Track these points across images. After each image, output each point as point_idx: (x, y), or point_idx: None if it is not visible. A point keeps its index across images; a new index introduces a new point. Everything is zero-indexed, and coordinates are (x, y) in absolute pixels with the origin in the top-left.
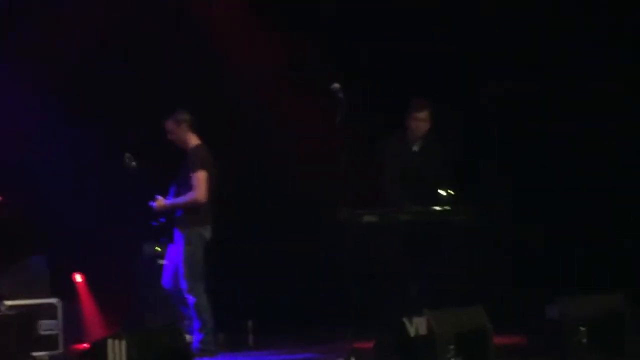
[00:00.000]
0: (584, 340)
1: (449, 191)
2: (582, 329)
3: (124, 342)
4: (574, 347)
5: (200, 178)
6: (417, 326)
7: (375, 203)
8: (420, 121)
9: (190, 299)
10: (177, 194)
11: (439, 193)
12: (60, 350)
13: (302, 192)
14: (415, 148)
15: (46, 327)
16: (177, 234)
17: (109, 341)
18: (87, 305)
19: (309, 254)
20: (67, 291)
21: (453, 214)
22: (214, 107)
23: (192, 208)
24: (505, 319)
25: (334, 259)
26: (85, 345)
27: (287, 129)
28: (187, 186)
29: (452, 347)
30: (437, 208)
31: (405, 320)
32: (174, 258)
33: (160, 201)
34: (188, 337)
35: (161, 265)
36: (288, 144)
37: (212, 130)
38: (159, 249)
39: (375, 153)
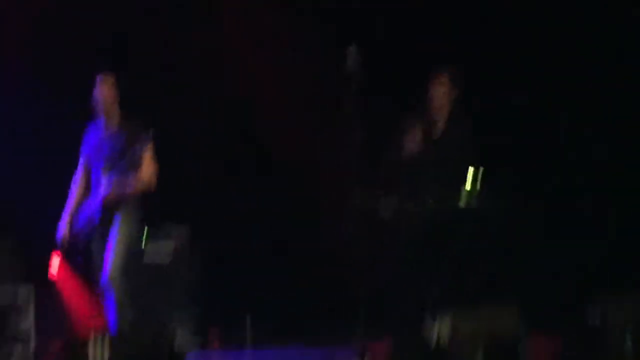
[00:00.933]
0: (630, 346)
1: (475, 187)
2: (629, 334)
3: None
4: (619, 354)
5: (151, 156)
6: (440, 328)
7: (391, 190)
8: (440, 86)
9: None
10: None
11: (466, 176)
12: (32, 345)
13: (309, 176)
14: (439, 124)
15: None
16: (118, 219)
17: (91, 341)
18: (67, 294)
19: (316, 245)
20: (43, 278)
21: (480, 202)
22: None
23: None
24: (538, 322)
25: (344, 251)
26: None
27: (290, 100)
28: (133, 165)
29: (480, 353)
30: (463, 194)
31: (427, 322)
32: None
33: (111, 192)
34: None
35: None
36: (293, 118)
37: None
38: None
39: (392, 132)
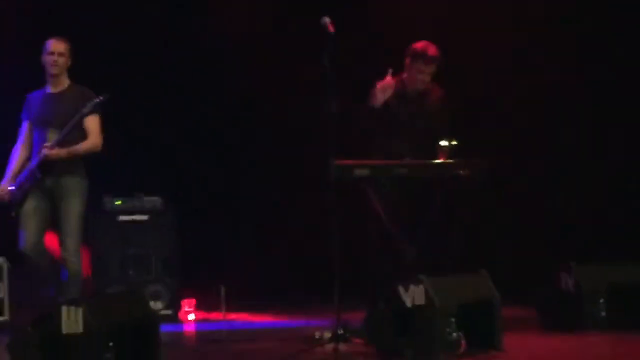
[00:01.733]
0: (603, 313)
1: (451, 142)
2: (602, 300)
3: (80, 309)
4: (592, 320)
5: (98, 122)
6: (414, 295)
7: (367, 156)
8: (425, 74)
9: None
10: (61, 139)
11: (440, 144)
12: (6, 317)
13: (284, 144)
14: (412, 95)
15: None
16: (68, 186)
17: (64, 308)
18: None
19: (292, 213)
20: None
21: (455, 167)
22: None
23: (87, 157)
24: (513, 288)
25: (319, 219)
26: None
27: (266, 70)
28: (79, 130)
29: (453, 319)
30: (437, 161)
31: (400, 288)
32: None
33: (55, 149)
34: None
35: (124, 222)
36: (267, 88)
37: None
38: (120, 203)
39: (367, 100)
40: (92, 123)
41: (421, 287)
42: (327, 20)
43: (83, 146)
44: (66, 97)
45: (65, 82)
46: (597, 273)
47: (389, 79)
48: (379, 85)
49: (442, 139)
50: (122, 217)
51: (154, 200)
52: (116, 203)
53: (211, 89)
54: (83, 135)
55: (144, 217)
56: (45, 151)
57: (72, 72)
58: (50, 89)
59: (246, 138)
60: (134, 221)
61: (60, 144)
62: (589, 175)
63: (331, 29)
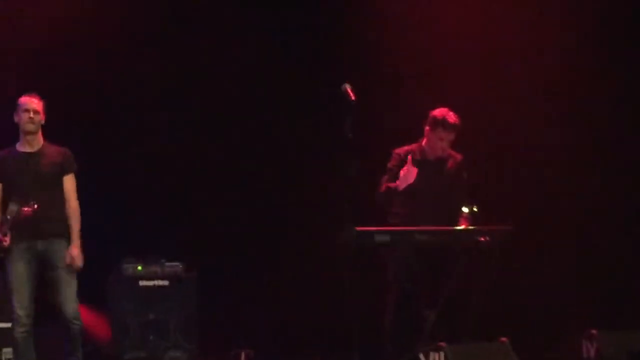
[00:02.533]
0: None
1: (472, 209)
2: None
3: None
4: None
5: (75, 182)
6: None
7: (385, 222)
8: (445, 141)
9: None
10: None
11: (462, 210)
12: None
13: (302, 210)
14: (431, 160)
15: None
16: (62, 250)
17: None
18: None
19: (310, 278)
20: None
21: (476, 234)
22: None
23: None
24: (535, 356)
25: (339, 284)
26: None
27: (284, 134)
28: (59, 188)
29: None
30: (458, 227)
31: (421, 355)
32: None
33: (75, 250)
34: None
35: (145, 288)
36: (285, 153)
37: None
38: (141, 268)
39: (387, 166)
40: (71, 183)
41: (442, 354)
42: (347, 86)
43: (77, 224)
44: (44, 156)
45: (40, 141)
46: (619, 340)
47: (413, 169)
48: (403, 172)
49: (462, 205)
50: (143, 283)
51: (175, 266)
52: (138, 268)
53: (229, 151)
54: (61, 194)
55: (165, 283)
56: (71, 255)
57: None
58: (24, 148)
59: (266, 202)
60: (155, 287)
61: (39, 205)
62: (609, 238)
63: (352, 95)
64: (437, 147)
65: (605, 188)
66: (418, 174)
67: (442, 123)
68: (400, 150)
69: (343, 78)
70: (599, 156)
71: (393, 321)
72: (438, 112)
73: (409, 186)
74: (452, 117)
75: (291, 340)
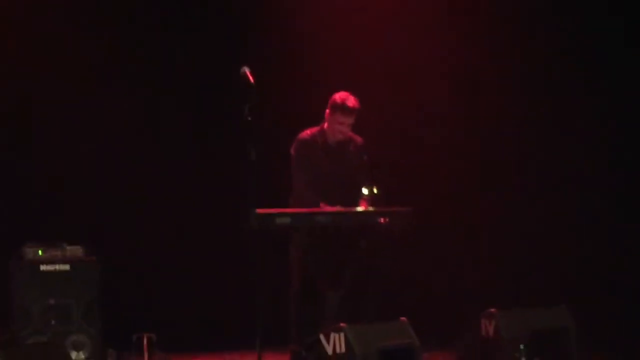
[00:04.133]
0: (523, 359)
1: (372, 190)
2: (522, 346)
3: None
4: None
5: None
6: (335, 342)
7: (288, 205)
8: (345, 125)
9: None
10: None
11: (362, 192)
12: None
13: (205, 193)
14: (332, 144)
15: None
16: None
17: None
18: None
19: (213, 262)
20: None
21: (376, 215)
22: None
23: None
24: (434, 335)
25: (241, 267)
26: None
27: (185, 118)
28: None
29: None
30: (359, 209)
31: (322, 336)
32: None
33: None
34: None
35: (45, 272)
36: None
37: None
38: (41, 252)
39: (290, 150)
40: None
41: (342, 334)
42: (246, 69)
43: None
44: None
45: None
46: (517, 319)
47: None
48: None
49: (363, 187)
50: (44, 267)
51: (76, 249)
52: (38, 252)
53: (132, 134)
54: None
55: (66, 267)
56: None
57: None
58: None
59: (168, 186)
60: (56, 271)
61: None
62: (510, 219)
63: (251, 78)
64: (337, 131)
65: (507, 168)
66: (321, 158)
67: (341, 107)
68: (304, 134)
69: (242, 61)
70: (500, 139)
71: (296, 304)
72: (338, 96)
73: (313, 171)
74: (351, 101)
75: (194, 324)
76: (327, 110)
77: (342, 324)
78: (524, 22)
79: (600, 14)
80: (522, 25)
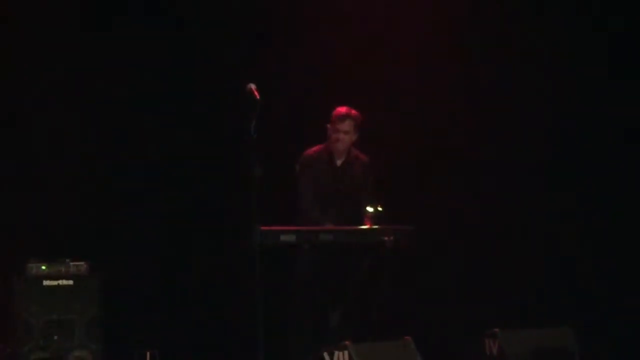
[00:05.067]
0: None
1: (376, 208)
2: None
3: None
4: None
5: None
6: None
7: (293, 222)
8: (342, 133)
9: None
10: None
11: (366, 210)
12: None
13: (209, 210)
14: (337, 162)
15: None
16: None
17: None
18: None
19: (217, 279)
20: None
21: (380, 233)
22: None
23: None
24: (438, 354)
25: (245, 284)
26: None
27: (188, 133)
28: None
29: None
30: (362, 227)
31: (325, 354)
32: None
33: None
34: None
35: (48, 287)
36: (189, 152)
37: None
38: (45, 268)
39: (294, 167)
40: None
41: (346, 353)
42: (252, 86)
43: None
44: None
45: None
46: (521, 339)
47: None
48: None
49: (367, 205)
50: (47, 282)
51: (80, 266)
52: (42, 268)
53: (135, 150)
54: None
55: (69, 282)
56: None
57: None
58: None
59: (172, 203)
60: (59, 286)
61: None
62: (512, 240)
63: (257, 95)
64: (334, 140)
65: (508, 189)
66: (326, 177)
67: (335, 115)
68: (309, 151)
69: (248, 78)
70: (501, 158)
71: (299, 321)
72: (337, 109)
73: (318, 188)
74: (345, 108)
75: (197, 340)
76: (328, 125)
77: (346, 342)
78: (529, 37)
79: None
80: (528, 42)
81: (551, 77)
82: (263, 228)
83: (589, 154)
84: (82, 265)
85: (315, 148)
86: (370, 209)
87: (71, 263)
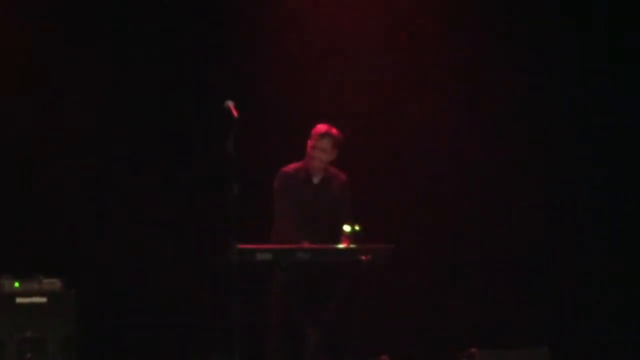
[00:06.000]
0: None
1: (354, 227)
2: None
3: None
4: None
5: None
6: None
7: (269, 240)
8: (319, 150)
9: None
10: None
11: (344, 229)
12: None
13: (186, 227)
14: (315, 179)
15: None
16: None
17: None
18: None
19: (193, 297)
20: None
21: (358, 252)
22: None
23: None
24: None
25: (221, 302)
26: None
27: (166, 151)
28: None
29: None
30: (340, 246)
31: None
32: None
33: None
34: None
35: (21, 305)
36: (167, 169)
37: None
38: (18, 285)
39: (272, 184)
40: None
41: None
42: (230, 103)
43: None
44: None
45: None
46: (498, 358)
47: None
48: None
49: (344, 224)
50: (20, 300)
51: (53, 283)
52: (15, 285)
53: (109, 165)
54: None
55: (43, 300)
56: None
57: None
58: None
59: (149, 220)
60: (32, 304)
61: None
62: (494, 256)
63: (235, 112)
64: (310, 156)
65: (488, 204)
66: (303, 194)
67: (315, 132)
68: (287, 168)
69: (226, 95)
70: (485, 175)
71: (276, 341)
72: (317, 126)
73: (295, 205)
74: (324, 126)
75: (173, 358)
76: (307, 142)
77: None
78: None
79: None
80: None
81: (531, 93)
82: (240, 246)
83: (569, 169)
84: (56, 282)
85: (293, 165)
86: (347, 228)
87: (44, 280)
